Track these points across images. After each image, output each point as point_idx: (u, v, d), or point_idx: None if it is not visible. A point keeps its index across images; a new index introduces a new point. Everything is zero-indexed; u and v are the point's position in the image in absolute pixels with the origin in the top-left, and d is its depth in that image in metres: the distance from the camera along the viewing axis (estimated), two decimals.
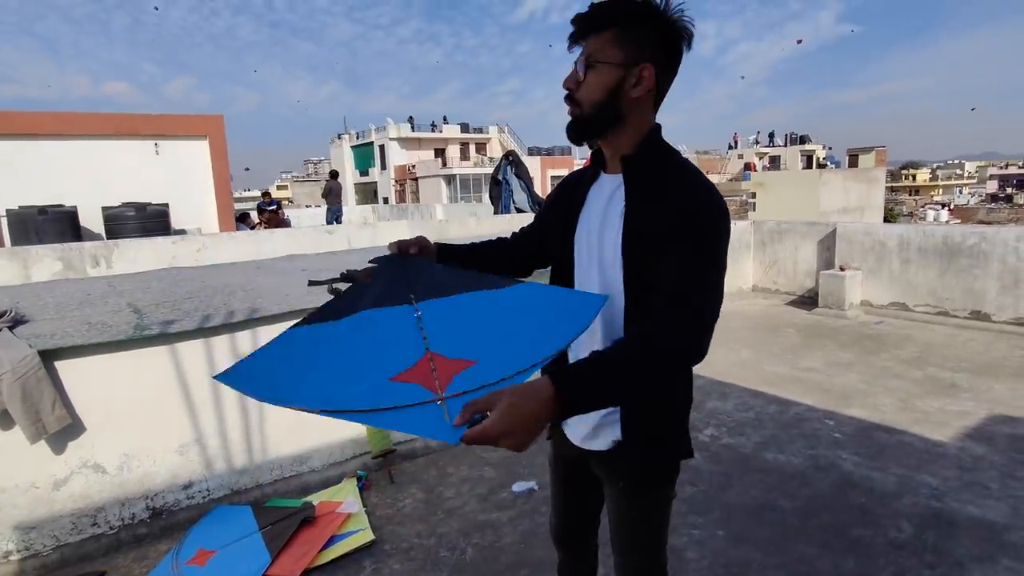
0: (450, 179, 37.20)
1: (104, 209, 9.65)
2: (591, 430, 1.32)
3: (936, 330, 5.69)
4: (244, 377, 1.14)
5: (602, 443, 1.32)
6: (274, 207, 14.07)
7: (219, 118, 11.14)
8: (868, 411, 3.86)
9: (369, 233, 5.32)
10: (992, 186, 72.68)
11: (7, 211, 9.14)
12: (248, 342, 2.95)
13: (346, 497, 2.96)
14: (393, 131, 40.97)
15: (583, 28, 1.18)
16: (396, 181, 40.86)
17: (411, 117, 42.01)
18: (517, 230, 1.60)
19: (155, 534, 2.72)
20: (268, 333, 3.00)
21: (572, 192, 1.37)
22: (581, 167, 1.44)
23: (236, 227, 14.26)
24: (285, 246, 4.93)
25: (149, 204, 9.91)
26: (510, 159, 6.14)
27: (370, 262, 1.44)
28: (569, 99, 1.21)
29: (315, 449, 3.20)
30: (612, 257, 1.21)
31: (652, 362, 1.01)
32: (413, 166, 39.76)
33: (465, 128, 44.36)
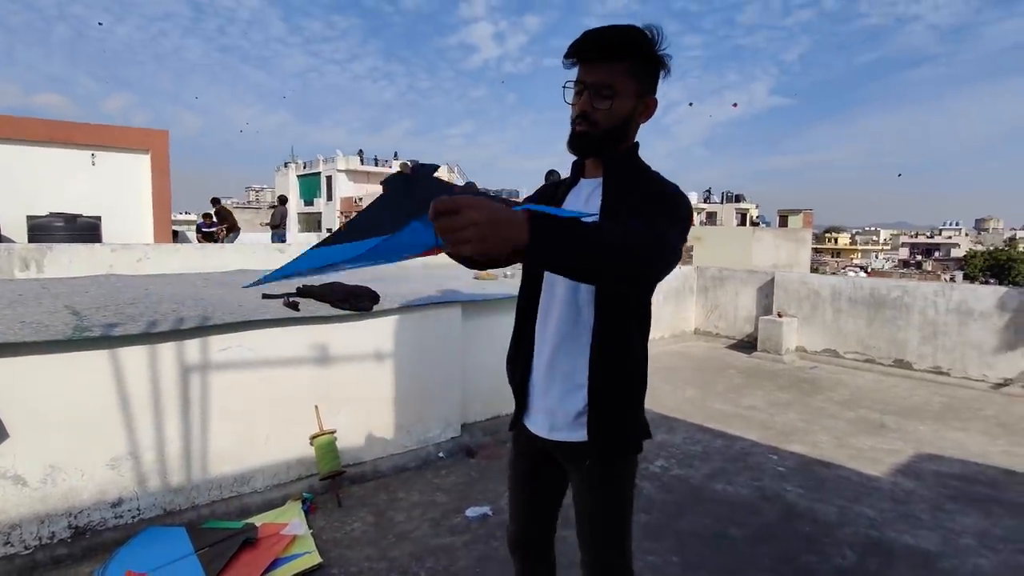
0: None
1: (30, 218, 9.08)
2: (557, 419, 1.41)
3: (864, 376, 6.02)
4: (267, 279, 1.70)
5: (568, 432, 1.40)
6: (214, 228, 13.61)
7: (164, 133, 10.78)
8: (808, 447, 4.01)
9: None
10: (904, 253, 78.65)
11: None
12: (197, 350, 2.81)
13: (291, 519, 2.81)
14: (342, 163, 40.68)
15: (596, 53, 1.28)
16: (342, 212, 40.33)
17: (361, 150, 41.92)
18: None
19: (76, 555, 2.49)
20: (220, 342, 2.87)
21: (550, 198, 1.48)
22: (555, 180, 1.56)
23: (198, 231, 13.69)
24: (234, 261, 4.76)
25: (80, 216, 9.39)
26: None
27: (382, 182, 1.69)
28: (583, 118, 1.32)
29: (258, 469, 3.04)
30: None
31: (622, 242, 1.06)
32: (360, 198, 39.42)
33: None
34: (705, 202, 52.97)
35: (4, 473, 2.39)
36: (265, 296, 3.41)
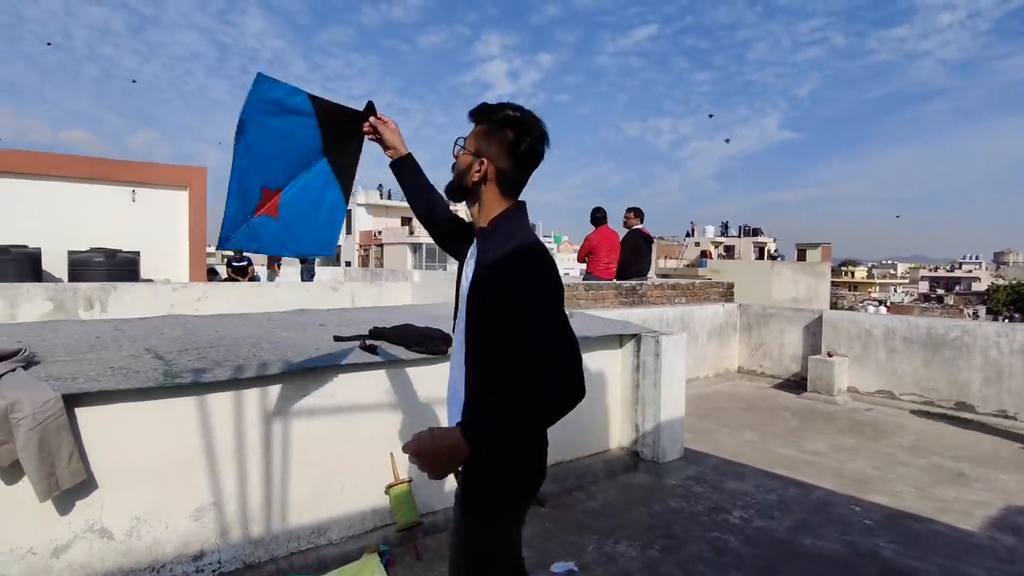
0: (416, 247, 37.29)
1: (71, 253, 9.20)
2: None
3: (924, 419, 5.82)
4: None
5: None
6: (245, 263, 13.71)
7: (202, 170, 10.98)
8: (889, 498, 3.84)
9: (374, 292, 5.18)
10: (924, 287, 77.61)
11: None
12: (278, 396, 2.75)
13: (372, 575, 2.69)
14: (362, 197, 41.23)
15: (472, 119, 1.57)
16: (361, 246, 40.72)
17: (380, 185, 42.49)
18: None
19: None
20: (301, 388, 2.81)
21: (467, 243, 1.65)
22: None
23: (228, 266, 13.78)
24: (289, 299, 4.74)
25: (119, 251, 9.51)
26: None
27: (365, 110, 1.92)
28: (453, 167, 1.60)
29: (334, 519, 2.94)
30: (463, 309, 1.53)
31: (533, 404, 1.30)
32: (379, 232, 39.82)
33: None
34: (722, 235, 52.84)
35: (92, 526, 2.32)
36: (337, 338, 3.35)
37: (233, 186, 1.86)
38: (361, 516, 3.03)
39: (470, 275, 1.52)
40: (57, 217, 9.58)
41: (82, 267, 9.12)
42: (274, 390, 2.74)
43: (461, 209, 1.88)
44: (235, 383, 2.61)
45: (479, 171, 1.51)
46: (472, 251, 1.58)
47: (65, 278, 9.25)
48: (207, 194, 10.97)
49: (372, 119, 1.88)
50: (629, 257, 7.26)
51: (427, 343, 3.19)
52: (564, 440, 4.07)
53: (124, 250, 9.53)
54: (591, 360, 4.24)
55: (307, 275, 13.59)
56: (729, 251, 48.53)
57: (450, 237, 1.78)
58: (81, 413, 2.28)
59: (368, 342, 3.18)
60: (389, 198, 42.40)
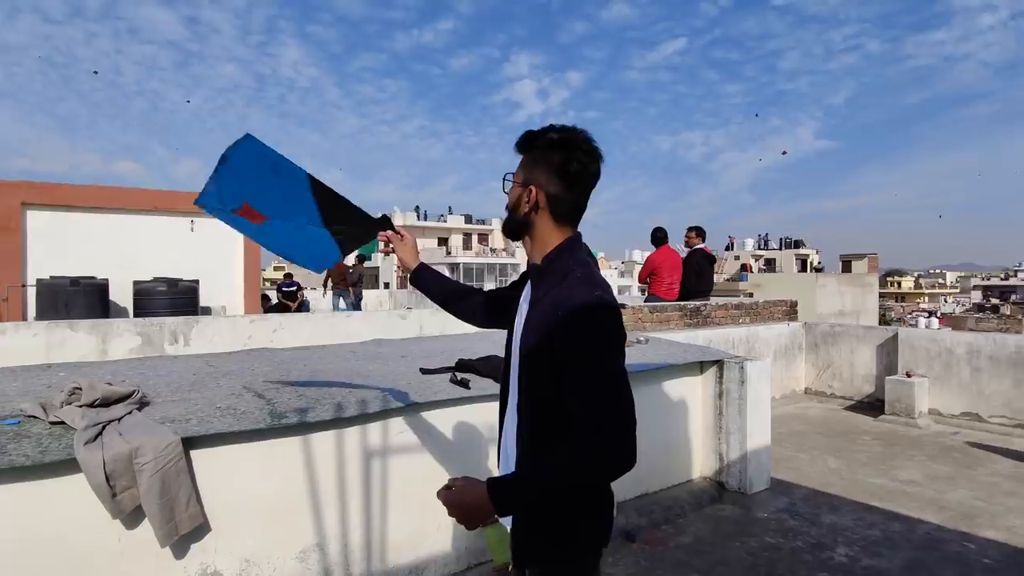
0: (454, 267, 37.57)
1: (135, 283, 9.48)
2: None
3: (1019, 443, 5.48)
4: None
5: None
6: (294, 288, 13.96)
7: None
8: (1005, 534, 3.59)
9: (440, 320, 5.16)
10: (976, 296, 74.53)
11: (37, 281, 8.94)
12: (378, 434, 2.72)
13: None
14: (398, 219, 41.80)
15: (517, 151, 1.46)
16: (398, 268, 41.22)
17: (417, 206, 43.08)
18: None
19: None
20: (399, 425, 2.78)
21: (518, 289, 1.55)
22: None
23: (278, 291, 14.06)
24: (361, 329, 4.75)
25: (180, 280, 9.76)
26: None
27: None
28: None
29: (431, 558, 2.88)
30: (515, 356, 1.42)
31: (571, 473, 1.20)
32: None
33: (468, 219, 45.43)
34: (763, 248, 51.81)
35: (205, 569, 2.30)
36: (424, 371, 3.32)
37: (215, 182, 1.87)
38: (456, 555, 2.95)
39: (523, 321, 1.40)
40: (122, 249, 9.90)
41: (146, 297, 9.39)
42: (373, 428, 2.71)
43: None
44: (337, 422, 2.59)
45: (528, 200, 1.39)
46: (526, 293, 1.45)
47: (130, 307, 9.54)
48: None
49: (390, 233, 1.89)
50: (693, 277, 7.11)
51: None
52: (647, 470, 3.95)
53: (184, 279, 9.80)
54: (670, 387, 4.12)
55: (357, 300, 13.74)
56: (770, 264, 47.51)
57: (497, 313, 1.69)
58: (195, 455, 2.27)
59: (459, 376, 3.14)
60: (425, 219, 42.93)
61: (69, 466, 2.02)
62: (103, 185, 10.22)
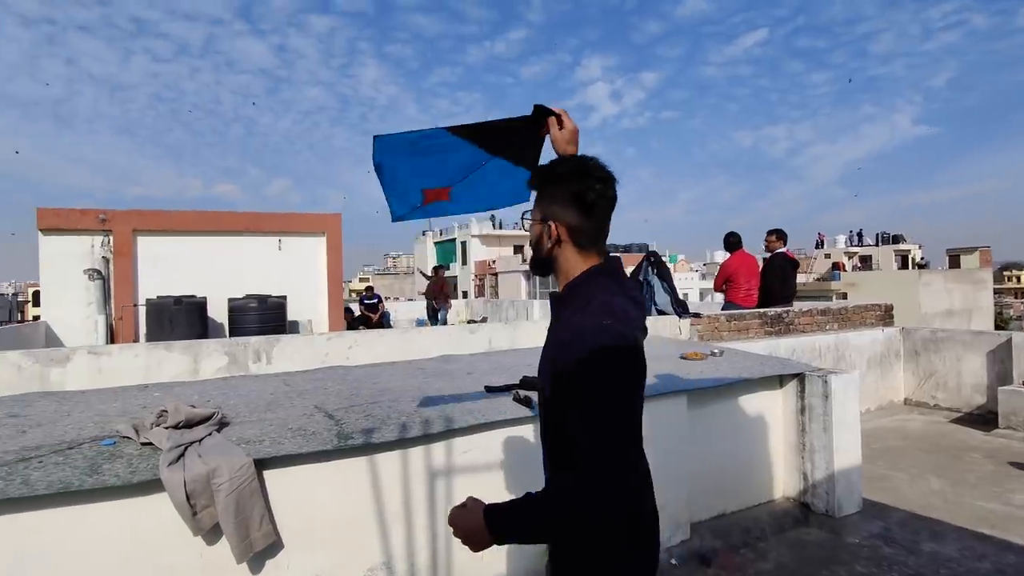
0: (529, 274, 37.72)
1: (230, 300, 10.15)
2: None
3: None
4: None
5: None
6: (375, 300, 14.46)
7: (337, 216, 11.75)
8: None
9: (509, 334, 5.17)
10: None
11: (147, 300, 9.75)
12: (442, 454, 2.75)
13: None
14: (476, 228, 42.50)
15: (531, 188, 1.47)
16: (476, 276, 41.84)
17: (493, 216, 43.56)
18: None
19: None
20: (463, 444, 2.80)
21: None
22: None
23: (360, 303, 14.66)
24: (431, 345, 4.84)
25: (270, 296, 10.35)
26: (651, 260, 5.97)
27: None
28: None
29: None
30: (541, 385, 1.42)
31: (555, 507, 1.18)
32: (493, 262, 40.73)
33: None
34: (856, 244, 48.63)
35: None
36: (489, 389, 3.33)
37: (390, 193, 1.98)
38: (526, 571, 2.94)
39: (544, 348, 1.42)
40: (218, 268, 10.63)
41: (239, 313, 10.04)
42: (437, 448, 2.74)
43: None
44: (401, 443, 2.64)
45: (550, 236, 1.39)
46: (551, 320, 1.46)
47: (226, 323, 10.22)
48: (341, 237, 11.73)
49: (557, 113, 1.68)
50: (775, 283, 6.76)
51: None
52: (724, 489, 3.78)
53: (273, 295, 10.40)
54: (747, 402, 3.93)
55: (432, 309, 14.06)
56: (866, 261, 44.48)
57: None
58: (268, 476, 2.39)
59: (522, 393, 3.13)
60: (500, 227, 43.37)
61: (155, 485, 2.18)
62: (200, 211, 11.02)
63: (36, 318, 10.37)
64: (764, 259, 7.17)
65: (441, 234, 47.11)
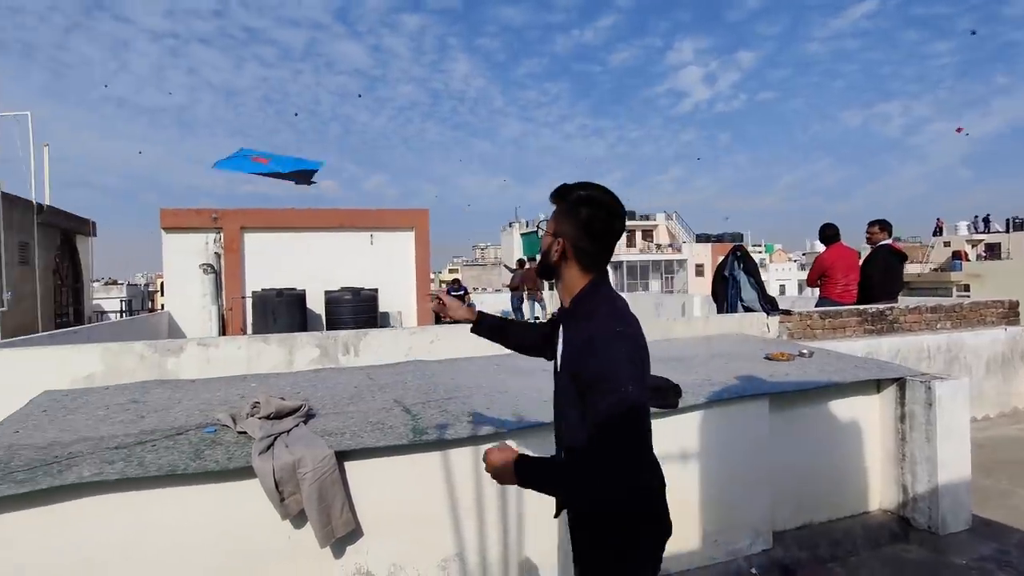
0: (617, 265, 37.17)
1: (326, 293, 10.74)
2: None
3: None
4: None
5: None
6: (461, 292, 14.80)
7: (425, 212, 12.12)
8: None
9: None
10: None
11: (253, 293, 10.52)
12: None
13: None
14: None
15: (551, 201, 1.63)
16: None
17: None
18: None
19: None
20: (536, 442, 2.83)
21: (555, 326, 1.72)
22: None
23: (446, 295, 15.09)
24: None
25: (362, 289, 10.85)
26: (738, 254, 5.73)
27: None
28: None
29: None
30: (555, 391, 1.65)
31: (577, 479, 1.41)
32: None
33: (632, 215, 44.62)
34: (982, 231, 44.06)
35: (359, 569, 2.56)
36: None
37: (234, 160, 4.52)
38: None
39: (559, 354, 1.60)
40: (316, 262, 11.29)
41: (335, 304, 10.63)
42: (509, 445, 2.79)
43: None
44: (474, 439, 2.71)
45: (558, 250, 1.57)
46: (560, 330, 1.63)
47: (323, 314, 10.85)
48: (429, 232, 12.10)
49: (436, 303, 2.11)
50: (878, 277, 6.27)
51: (658, 397, 3.02)
52: (811, 498, 3.60)
53: (365, 288, 10.91)
54: (838, 407, 3.70)
55: (515, 302, 14.21)
56: (992, 250, 40.24)
57: (549, 348, 1.87)
58: (348, 467, 2.53)
59: None
60: None
61: (249, 472, 2.37)
62: (299, 208, 11.73)
63: (163, 306, 11.50)
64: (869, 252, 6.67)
65: (527, 225, 47.33)
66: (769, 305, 5.47)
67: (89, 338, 6.19)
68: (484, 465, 1.55)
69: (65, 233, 11.01)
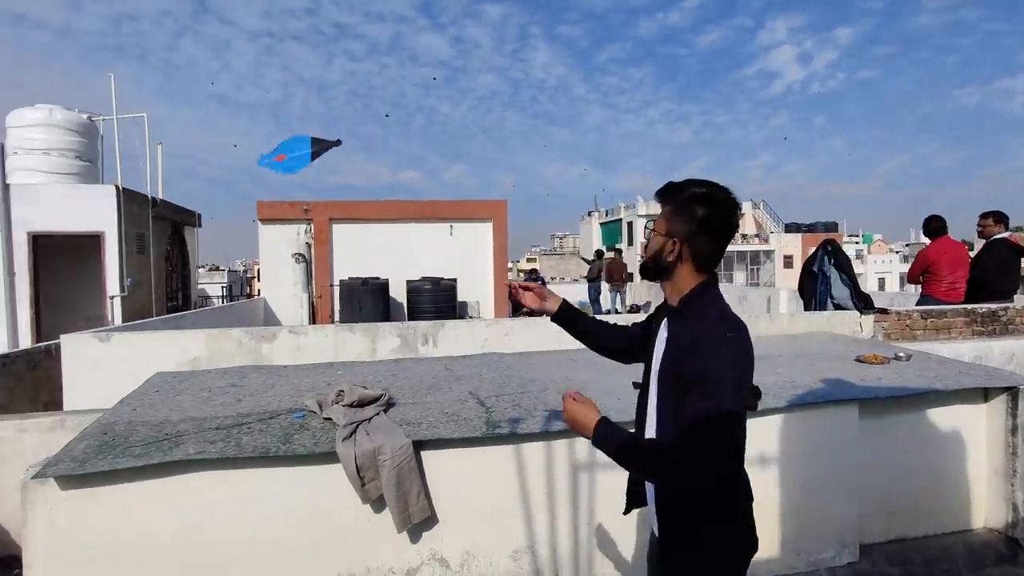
0: None
1: (408, 282, 11.10)
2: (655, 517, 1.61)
3: None
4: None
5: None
6: (539, 283, 14.84)
7: (503, 203, 12.22)
8: None
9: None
10: None
11: (340, 281, 11.03)
12: (585, 448, 2.81)
13: None
14: (642, 208, 41.46)
15: (658, 200, 1.60)
16: (641, 253, 40.95)
17: None
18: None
19: None
20: None
21: (653, 322, 1.73)
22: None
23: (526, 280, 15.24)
24: None
25: (442, 279, 11.12)
26: (828, 248, 5.41)
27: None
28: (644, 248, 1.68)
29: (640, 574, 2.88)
30: (654, 383, 1.60)
31: (655, 461, 1.44)
32: None
33: None
34: None
35: (434, 555, 2.66)
36: (636, 384, 3.31)
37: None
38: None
39: (661, 352, 1.57)
40: (398, 252, 11.67)
41: (415, 294, 10.96)
42: (580, 442, 2.80)
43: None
44: (545, 435, 2.74)
45: (672, 251, 1.53)
46: (663, 327, 1.61)
47: (404, 302, 11.22)
48: (507, 223, 12.20)
49: (517, 289, 1.97)
50: (992, 273, 5.73)
51: None
52: (904, 511, 3.38)
53: (445, 277, 11.18)
54: (938, 416, 3.44)
55: (593, 293, 14.09)
56: None
57: (638, 350, 1.82)
58: (425, 456, 2.63)
59: None
60: None
61: (333, 457, 2.51)
62: (383, 200, 12.14)
63: (259, 292, 12.31)
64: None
65: (607, 214, 46.70)
66: (862, 303, 5.14)
67: (195, 323, 6.73)
68: (564, 411, 1.58)
69: (175, 224, 11.96)
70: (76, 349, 4.25)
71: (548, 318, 1.95)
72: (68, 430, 3.24)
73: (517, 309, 13.69)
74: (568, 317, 1.94)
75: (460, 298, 11.55)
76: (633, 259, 40.64)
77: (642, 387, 1.70)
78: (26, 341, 8.63)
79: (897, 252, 51.23)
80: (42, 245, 9.25)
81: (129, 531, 2.40)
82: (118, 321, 9.10)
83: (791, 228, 41.17)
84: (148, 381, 3.67)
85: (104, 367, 4.22)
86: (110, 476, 2.35)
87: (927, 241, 6.30)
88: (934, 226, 5.97)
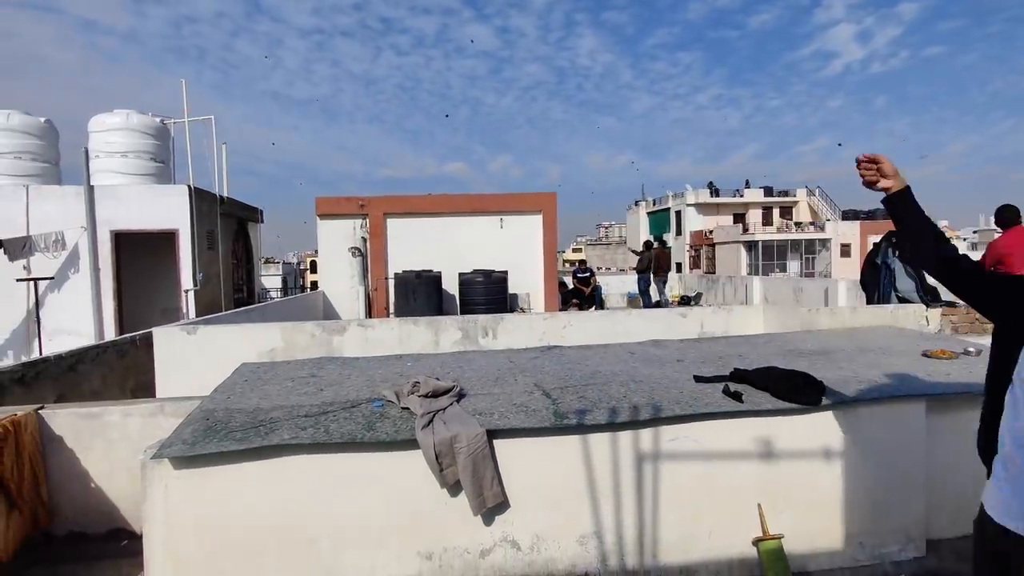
0: (751, 245, 35.19)
1: (460, 274, 11.32)
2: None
3: None
4: None
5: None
6: (588, 275, 14.89)
7: (552, 195, 12.30)
8: None
9: (722, 319, 5.06)
10: None
11: (395, 274, 11.35)
12: (649, 440, 2.91)
13: None
14: (691, 197, 40.76)
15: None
16: (691, 247, 40.32)
17: (711, 183, 41.34)
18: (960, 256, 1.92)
19: None
20: (670, 432, 2.93)
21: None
22: None
23: (573, 277, 15.30)
24: (640, 328, 4.97)
25: (493, 271, 11.30)
26: (892, 239, 5.31)
27: None
28: None
29: (701, 563, 2.97)
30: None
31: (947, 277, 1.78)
32: (710, 232, 38.80)
33: (769, 192, 41.89)
34: None
35: (505, 537, 2.82)
36: (698, 379, 3.39)
37: None
38: (728, 564, 2.99)
39: None
40: (449, 245, 11.92)
41: (467, 286, 11.19)
42: (645, 434, 2.91)
43: None
44: (611, 426, 2.86)
45: None
46: None
47: (456, 295, 11.47)
48: (556, 215, 12.28)
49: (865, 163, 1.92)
50: None
51: (797, 395, 2.98)
52: (975, 505, 3.33)
53: (496, 270, 11.36)
54: None
55: (643, 284, 14.04)
56: None
57: (967, 278, 1.84)
58: (497, 444, 2.79)
59: (732, 388, 3.13)
60: (718, 195, 40.98)
61: (412, 444, 2.70)
62: (435, 195, 12.40)
63: (314, 284, 12.78)
64: None
65: (654, 204, 46.10)
66: (929, 296, 5.03)
67: (263, 316, 7.11)
68: (879, 164, 1.84)
69: (240, 221, 12.54)
70: (167, 340, 4.60)
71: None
72: (168, 415, 3.55)
73: (566, 301, 13.79)
74: (908, 203, 1.88)
75: (511, 290, 11.73)
76: (681, 249, 40.04)
77: (1003, 350, 1.61)
78: (110, 332, 9.28)
79: (964, 239, 48.74)
80: (122, 242, 9.89)
81: (232, 507, 2.64)
82: (192, 313, 9.66)
83: (848, 215, 39.71)
84: (237, 371, 3.95)
85: (191, 357, 4.55)
86: (215, 458, 2.60)
87: (998, 229, 6.06)
88: (1007, 216, 5.74)
